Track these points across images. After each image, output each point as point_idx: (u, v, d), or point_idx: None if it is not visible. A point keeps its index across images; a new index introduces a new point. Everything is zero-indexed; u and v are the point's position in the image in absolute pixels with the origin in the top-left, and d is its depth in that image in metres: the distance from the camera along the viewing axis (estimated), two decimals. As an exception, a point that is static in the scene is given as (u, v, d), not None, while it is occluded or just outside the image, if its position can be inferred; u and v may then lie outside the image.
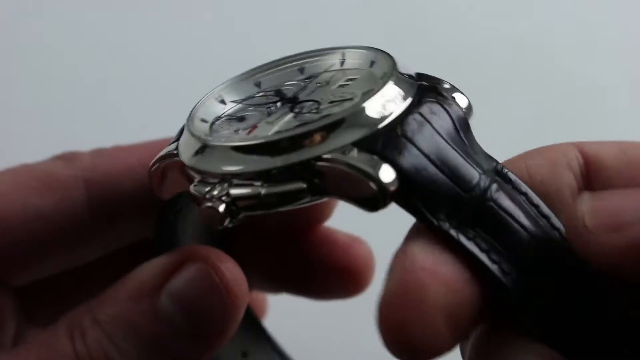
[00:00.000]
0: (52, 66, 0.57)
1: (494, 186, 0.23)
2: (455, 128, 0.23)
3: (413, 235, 0.22)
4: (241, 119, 0.25)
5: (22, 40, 0.57)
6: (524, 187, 0.23)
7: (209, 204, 0.22)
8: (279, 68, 0.27)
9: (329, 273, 0.33)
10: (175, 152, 0.25)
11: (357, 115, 0.22)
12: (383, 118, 0.22)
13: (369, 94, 0.23)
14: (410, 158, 0.21)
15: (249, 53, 0.55)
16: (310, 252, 0.33)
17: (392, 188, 0.21)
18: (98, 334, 0.25)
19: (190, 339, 0.26)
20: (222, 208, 0.22)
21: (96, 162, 0.30)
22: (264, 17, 0.59)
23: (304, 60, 0.27)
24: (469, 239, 0.22)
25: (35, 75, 0.56)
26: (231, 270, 0.26)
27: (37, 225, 0.28)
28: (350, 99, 0.24)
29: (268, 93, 0.27)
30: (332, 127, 0.22)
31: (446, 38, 0.59)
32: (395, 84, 0.23)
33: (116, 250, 0.31)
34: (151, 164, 0.26)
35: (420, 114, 0.23)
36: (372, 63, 0.26)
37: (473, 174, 0.22)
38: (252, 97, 0.27)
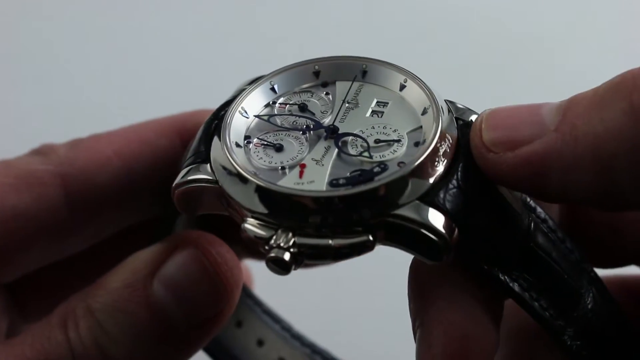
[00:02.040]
0: (48, 65, 0.57)
1: (532, 225, 0.24)
2: None
3: (441, 283, 0.24)
4: (279, 148, 0.25)
5: (18, 40, 0.57)
6: (543, 214, 0.25)
7: (274, 254, 0.22)
8: (292, 70, 0.27)
9: None
10: (211, 178, 0.24)
11: (418, 170, 0.23)
12: (439, 169, 0.23)
13: (422, 143, 0.24)
14: (471, 210, 0.23)
15: (248, 53, 0.55)
16: None
17: (455, 241, 0.22)
18: (91, 322, 0.25)
19: (185, 325, 0.26)
20: (287, 257, 0.22)
21: (73, 156, 0.29)
22: (263, 17, 0.59)
23: (319, 64, 0.27)
24: (512, 280, 0.23)
25: (33, 75, 0.56)
26: (223, 254, 0.26)
27: (16, 224, 0.28)
28: (399, 141, 0.24)
29: (291, 106, 0.26)
30: (396, 184, 0.22)
31: (446, 38, 0.59)
32: (443, 128, 0.24)
33: (105, 238, 0.31)
34: (178, 182, 0.25)
35: (466, 159, 0.24)
36: (402, 87, 0.26)
37: (522, 218, 0.24)
38: (273, 111, 0.26)
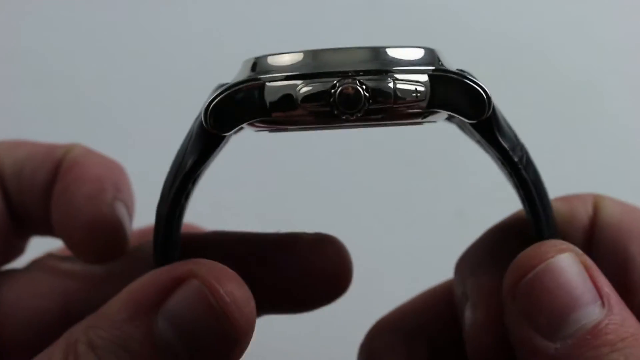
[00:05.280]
0: (47, 67, 0.57)
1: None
2: None
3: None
4: None
5: (17, 41, 0.57)
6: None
7: (344, 86, 0.22)
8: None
9: (302, 279, 0.30)
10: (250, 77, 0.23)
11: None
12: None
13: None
14: None
15: (248, 53, 0.55)
16: (276, 263, 0.30)
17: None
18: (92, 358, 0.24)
19: None
20: (360, 89, 0.22)
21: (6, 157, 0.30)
22: (263, 17, 0.59)
23: None
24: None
25: (32, 77, 0.56)
26: (232, 292, 0.23)
27: None
28: None
29: None
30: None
31: (446, 38, 0.59)
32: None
33: None
34: (225, 91, 0.23)
35: None
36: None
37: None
38: None
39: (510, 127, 0.25)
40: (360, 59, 0.23)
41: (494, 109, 0.24)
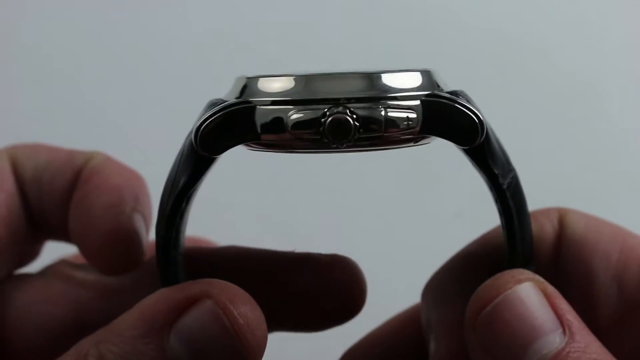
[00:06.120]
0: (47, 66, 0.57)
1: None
2: None
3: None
4: None
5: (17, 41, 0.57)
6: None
7: (334, 115, 0.22)
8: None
9: (315, 300, 0.30)
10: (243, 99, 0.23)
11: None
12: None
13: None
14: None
15: (248, 52, 0.55)
16: (290, 283, 0.30)
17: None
18: None
19: None
20: (350, 118, 0.22)
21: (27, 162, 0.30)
22: (263, 17, 0.59)
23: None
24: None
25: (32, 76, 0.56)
26: (245, 314, 0.24)
27: None
28: None
29: None
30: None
31: (445, 38, 0.59)
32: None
33: None
34: (215, 113, 0.23)
35: None
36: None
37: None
38: None
39: (503, 152, 0.25)
40: (352, 86, 0.23)
41: (487, 134, 0.23)
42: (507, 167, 0.25)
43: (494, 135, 0.25)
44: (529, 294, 0.24)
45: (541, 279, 0.24)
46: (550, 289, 0.24)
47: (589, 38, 0.59)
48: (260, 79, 0.24)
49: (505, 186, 0.24)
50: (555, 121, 0.57)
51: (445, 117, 0.23)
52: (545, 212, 0.28)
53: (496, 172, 0.24)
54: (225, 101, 0.24)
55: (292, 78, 0.23)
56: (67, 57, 0.57)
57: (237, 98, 0.24)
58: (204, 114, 0.23)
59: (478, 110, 0.23)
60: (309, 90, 0.23)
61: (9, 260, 0.30)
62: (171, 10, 0.59)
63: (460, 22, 0.59)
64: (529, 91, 0.58)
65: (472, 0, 0.60)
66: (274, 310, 0.27)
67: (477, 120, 0.23)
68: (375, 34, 0.57)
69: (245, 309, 0.24)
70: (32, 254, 0.32)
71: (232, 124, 0.23)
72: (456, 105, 0.23)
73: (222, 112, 0.23)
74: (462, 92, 0.24)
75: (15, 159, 0.30)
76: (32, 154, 0.30)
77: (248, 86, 0.24)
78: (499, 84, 0.57)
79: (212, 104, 0.24)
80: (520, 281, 0.24)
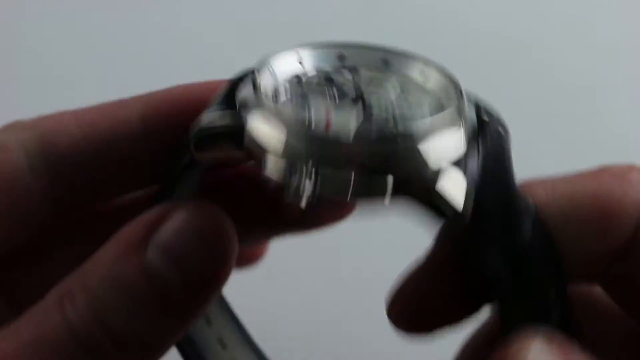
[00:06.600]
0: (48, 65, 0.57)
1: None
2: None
3: None
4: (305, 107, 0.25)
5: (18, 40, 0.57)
6: None
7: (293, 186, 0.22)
8: (318, 49, 0.27)
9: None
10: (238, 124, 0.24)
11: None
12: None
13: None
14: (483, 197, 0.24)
15: (248, 52, 0.55)
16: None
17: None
18: (88, 298, 0.25)
19: (182, 291, 0.25)
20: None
21: (33, 123, 0.30)
22: (263, 17, 0.59)
23: (344, 50, 0.27)
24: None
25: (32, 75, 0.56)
26: (216, 215, 0.25)
27: None
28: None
29: (319, 79, 0.26)
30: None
31: (445, 38, 0.59)
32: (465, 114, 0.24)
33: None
34: (204, 126, 0.24)
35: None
36: (425, 75, 0.27)
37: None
38: (301, 81, 0.26)
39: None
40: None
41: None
42: None
43: None
44: None
45: (544, 345, 0.24)
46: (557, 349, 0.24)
47: (587, 38, 0.59)
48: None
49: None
50: (555, 121, 0.57)
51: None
52: (611, 170, 0.27)
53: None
54: None
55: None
56: (67, 57, 0.57)
57: None
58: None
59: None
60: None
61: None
62: (171, 10, 0.59)
63: (459, 23, 0.59)
64: (528, 91, 0.58)
65: (471, 1, 0.60)
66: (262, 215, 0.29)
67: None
68: (376, 34, 0.57)
69: (214, 210, 0.25)
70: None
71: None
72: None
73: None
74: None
75: None
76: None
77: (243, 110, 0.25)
78: (499, 83, 0.57)
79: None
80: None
